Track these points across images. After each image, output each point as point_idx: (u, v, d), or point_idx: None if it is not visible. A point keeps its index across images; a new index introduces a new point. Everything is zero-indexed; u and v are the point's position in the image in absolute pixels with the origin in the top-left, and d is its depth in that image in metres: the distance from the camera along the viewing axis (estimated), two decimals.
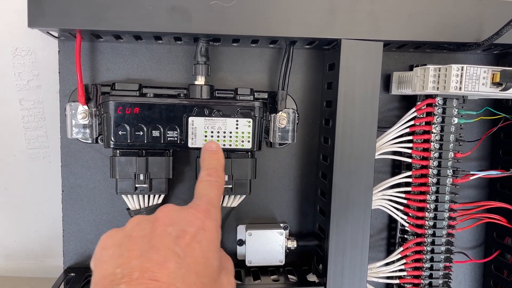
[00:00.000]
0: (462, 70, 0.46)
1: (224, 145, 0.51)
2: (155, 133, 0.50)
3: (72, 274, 0.55)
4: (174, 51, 0.55)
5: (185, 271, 0.31)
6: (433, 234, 0.56)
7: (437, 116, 0.54)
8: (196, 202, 0.38)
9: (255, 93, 0.54)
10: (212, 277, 0.34)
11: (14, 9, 0.57)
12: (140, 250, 0.32)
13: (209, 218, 0.36)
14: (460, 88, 0.46)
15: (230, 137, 0.51)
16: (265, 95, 0.55)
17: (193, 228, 0.35)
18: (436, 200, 0.55)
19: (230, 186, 0.53)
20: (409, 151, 0.55)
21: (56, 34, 0.50)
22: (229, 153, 0.52)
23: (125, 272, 0.30)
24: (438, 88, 0.48)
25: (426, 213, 0.55)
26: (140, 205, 0.53)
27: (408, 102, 0.58)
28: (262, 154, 0.57)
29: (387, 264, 0.57)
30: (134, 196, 0.52)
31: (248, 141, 0.52)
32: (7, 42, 0.58)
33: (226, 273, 0.37)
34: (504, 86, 0.45)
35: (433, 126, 0.54)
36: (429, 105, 0.54)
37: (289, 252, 0.57)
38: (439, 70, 0.48)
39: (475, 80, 0.46)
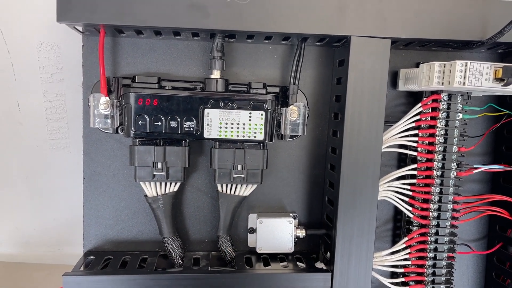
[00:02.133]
0: (466, 66, 0.48)
1: (237, 136, 0.54)
2: (173, 124, 0.53)
3: (91, 257, 0.58)
4: (191, 46, 0.57)
5: None
6: (437, 225, 0.58)
7: (442, 112, 0.56)
8: None
9: (267, 87, 0.56)
10: None
11: (40, 5, 0.60)
12: None
13: None
14: (464, 83, 0.48)
15: (244, 128, 0.54)
16: (277, 90, 0.58)
17: None
18: (441, 192, 0.57)
19: (243, 175, 0.56)
20: (415, 144, 0.57)
21: (81, 29, 0.53)
22: (242, 144, 0.55)
23: None
24: (443, 83, 0.51)
25: (431, 204, 0.57)
26: (157, 192, 0.56)
27: (414, 98, 0.61)
28: (273, 146, 0.60)
29: (392, 253, 0.59)
30: (152, 183, 0.55)
31: (261, 133, 0.54)
32: (33, 37, 0.61)
33: None
34: (506, 81, 0.47)
35: (438, 121, 0.56)
36: (434, 100, 0.56)
37: (298, 241, 0.60)
38: (444, 66, 0.50)
39: (478, 76, 0.48)
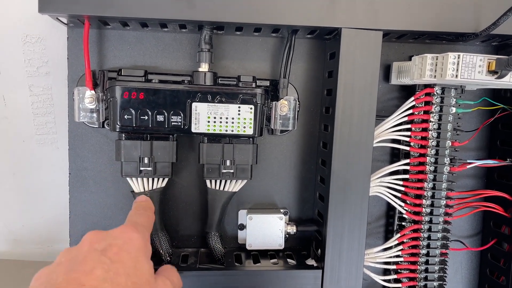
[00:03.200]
0: (458, 58, 0.47)
1: (226, 130, 0.52)
2: (160, 118, 0.51)
3: None
4: (179, 39, 0.56)
5: (114, 274, 0.34)
6: (430, 221, 0.57)
7: (435, 106, 0.55)
8: (124, 223, 0.43)
9: (257, 81, 0.55)
10: (144, 278, 0.37)
11: None
12: (67, 268, 0.34)
13: (136, 231, 0.40)
14: (456, 75, 0.47)
15: (232, 123, 0.53)
16: (267, 83, 0.56)
17: (120, 240, 0.38)
18: (434, 188, 0.56)
19: (232, 171, 0.54)
20: (408, 139, 0.56)
21: (65, 21, 0.51)
22: (231, 138, 0.54)
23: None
24: (435, 76, 0.50)
25: (424, 200, 0.56)
26: (144, 187, 0.54)
27: (407, 92, 0.60)
28: (264, 141, 0.59)
29: (384, 249, 0.58)
30: (139, 179, 0.54)
31: (250, 127, 0.53)
32: (17, 29, 0.59)
33: (164, 278, 0.41)
34: (499, 74, 0.46)
35: (431, 115, 0.55)
36: (427, 94, 0.55)
37: (288, 237, 0.59)
38: (437, 59, 0.49)
39: (471, 68, 0.47)
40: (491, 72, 0.47)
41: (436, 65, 0.49)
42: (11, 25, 0.59)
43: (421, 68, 0.51)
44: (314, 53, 0.58)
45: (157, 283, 0.40)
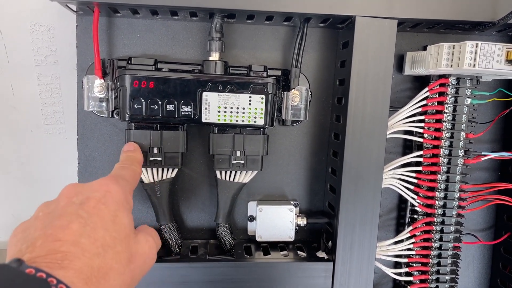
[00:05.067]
0: (476, 47, 0.46)
1: (237, 120, 0.52)
2: (170, 107, 0.51)
3: None
4: (189, 27, 0.55)
5: (91, 228, 0.32)
6: (443, 214, 0.56)
7: (450, 96, 0.54)
8: (107, 176, 0.41)
9: (268, 70, 0.54)
10: (124, 233, 0.35)
11: None
12: (44, 223, 0.33)
13: (116, 183, 0.38)
14: (474, 65, 0.46)
15: (243, 113, 0.52)
16: (278, 73, 0.55)
17: (99, 193, 0.36)
18: (447, 180, 0.55)
19: (242, 161, 0.54)
20: (421, 130, 0.55)
21: (74, 8, 0.51)
22: (241, 129, 0.53)
23: (29, 243, 0.31)
24: (451, 65, 0.48)
25: (437, 193, 0.55)
26: (153, 178, 0.54)
27: (421, 83, 0.58)
28: (274, 132, 0.58)
29: (396, 242, 0.57)
30: (148, 169, 0.53)
31: (261, 117, 0.52)
32: (26, 18, 0.59)
33: (146, 234, 0.39)
34: None
35: (445, 106, 0.54)
36: (442, 85, 0.54)
37: (298, 229, 0.58)
38: (453, 48, 0.48)
39: (489, 58, 0.46)
40: (510, 62, 0.46)
41: (452, 54, 0.48)
42: (19, 14, 0.58)
43: (437, 58, 0.50)
44: (326, 43, 0.57)
45: (138, 238, 0.38)
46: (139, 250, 0.37)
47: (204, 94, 0.51)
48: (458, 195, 0.56)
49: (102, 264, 0.31)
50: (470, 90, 0.54)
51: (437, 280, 0.57)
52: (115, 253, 0.33)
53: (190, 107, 0.51)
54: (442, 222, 0.56)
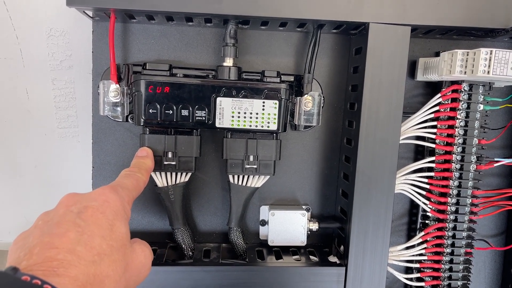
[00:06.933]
0: (491, 54, 0.46)
1: (250, 125, 0.52)
2: (184, 112, 0.51)
3: None
4: (203, 33, 0.56)
5: (88, 236, 0.33)
6: (455, 220, 0.56)
7: (462, 102, 0.54)
8: (109, 184, 0.41)
9: (281, 76, 0.54)
10: (121, 242, 0.36)
11: None
12: (42, 231, 0.33)
13: (114, 193, 0.39)
14: (488, 72, 0.46)
15: (256, 118, 0.52)
16: (291, 78, 0.56)
17: (97, 202, 0.37)
18: (459, 186, 0.56)
19: (255, 166, 0.54)
20: (433, 136, 0.55)
21: (91, 14, 0.51)
22: (254, 134, 0.54)
23: (27, 251, 0.31)
24: (465, 72, 0.49)
25: (449, 198, 0.56)
26: (167, 182, 0.54)
27: (433, 89, 0.59)
28: (287, 137, 0.59)
29: (408, 248, 0.57)
30: (162, 173, 0.54)
31: (274, 123, 0.52)
32: (42, 23, 0.60)
33: (142, 245, 0.40)
34: None
35: (458, 112, 0.54)
36: (454, 91, 0.54)
37: (310, 234, 0.58)
38: (467, 55, 0.48)
39: (504, 65, 0.46)
40: None
41: (466, 61, 0.49)
42: (36, 19, 0.59)
43: (451, 64, 0.50)
44: (339, 49, 0.58)
45: (134, 247, 0.39)
46: (135, 260, 0.38)
47: (218, 99, 0.51)
48: (470, 201, 0.56)
49: (98, 272, 0.32)
50: (482, 96, 0.54)
51: (448, 285, 0.57)
52: (111, 261, 0.34)
53: (204, 112, 0.51)
54: (454, 228, 0.56)
